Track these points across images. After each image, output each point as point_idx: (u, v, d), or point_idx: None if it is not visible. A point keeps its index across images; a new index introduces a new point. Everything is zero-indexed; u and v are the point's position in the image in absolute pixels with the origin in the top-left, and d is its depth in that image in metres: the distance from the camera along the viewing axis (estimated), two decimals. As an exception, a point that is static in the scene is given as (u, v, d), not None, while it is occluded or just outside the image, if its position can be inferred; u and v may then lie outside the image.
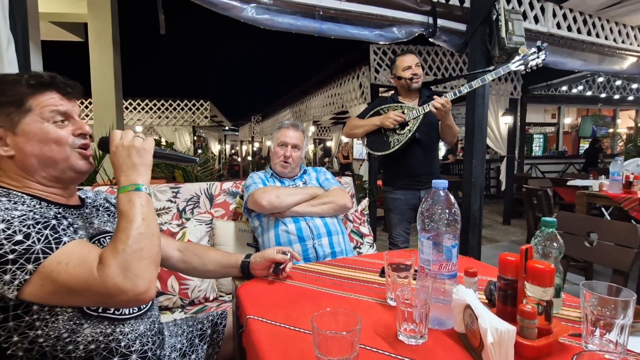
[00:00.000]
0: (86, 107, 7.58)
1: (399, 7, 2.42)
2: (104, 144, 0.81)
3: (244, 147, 18.23)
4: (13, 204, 0.66)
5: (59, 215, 0.72)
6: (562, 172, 7.89)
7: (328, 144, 13.51)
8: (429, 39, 2.59)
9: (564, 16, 3.07)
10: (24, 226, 0.63)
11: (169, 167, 3.00)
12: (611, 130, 9.14)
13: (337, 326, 0.56)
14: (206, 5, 1.97)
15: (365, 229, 1.93)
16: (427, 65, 4.64)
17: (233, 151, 20.97)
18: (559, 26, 3.05)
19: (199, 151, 11.84)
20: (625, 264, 1.33)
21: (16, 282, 0.60)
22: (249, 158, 15.30)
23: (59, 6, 3.82)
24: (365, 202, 2.11)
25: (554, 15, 3.02)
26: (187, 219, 1.66)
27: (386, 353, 0.63)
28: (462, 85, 1.91)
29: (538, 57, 1.84)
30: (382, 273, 1.01)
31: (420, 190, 2.04)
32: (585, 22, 3.20)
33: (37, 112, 0.73)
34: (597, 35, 3.28)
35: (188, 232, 1.56)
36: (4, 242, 0.60)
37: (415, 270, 0.81)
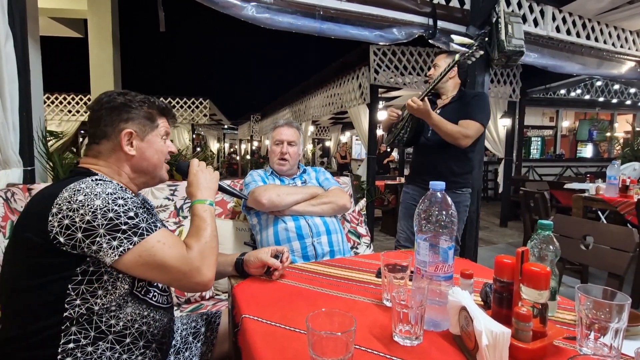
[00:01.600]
0: (85, 103, 7.54)
1: (399, 8, 2.42)
2: (182, 169, 1.03)
3: (243, 146, 18.20)
4: (120, 188, 0.81)
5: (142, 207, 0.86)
6: (559, 175, 7.92)
7: (327, 143, 13.52)
8: (429, 41, 2.60)
9: (564, 20, 3.08)
10: (134, 206, 0.78)
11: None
12: (608, 134, 9.18)
13: (332, 327, 0.56)
14: (206, 4, 1.96)
15: (362, 229, 1.93)
16: (426, 67, 4.65)
17: (232, 150, 20.94)
18: (558, 30, 3.06)
19: (198, 149, 11.81)
20: (621, 268, 1.33)
21: (121, 248, 0.73)
22: (248, 157, 15.28)
23: (58, 2, 3.80)
24: (363, 203, 2.11)
25: (554, 18, 3.02)
26: (185, 217, 1.66)
27: (381, 354, 0.63)
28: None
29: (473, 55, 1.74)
30: (378, 274, 1.01)
31: (427, 191, 2.00)
32: (584, 25, 3.21)
33: (159, 130, 0.95)
34: (596, 39, 3.29)
35: (185, 230, 1.55)
36: (122, 214, 0.74)
37: (412, 272, 0.81)
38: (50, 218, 0.71)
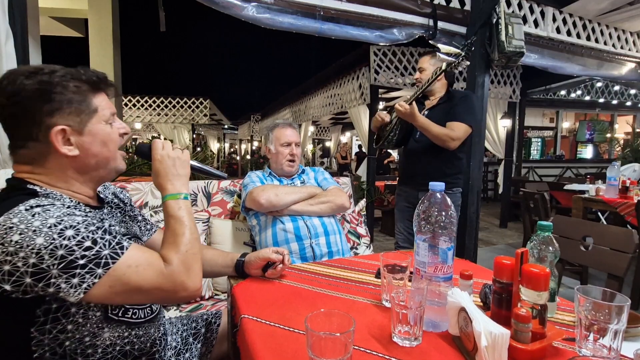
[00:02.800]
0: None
1: (400, 9, 2.42)
2: (143, 152, 0.86)
3: (243, 146, 18.20)
4: (67, 208, 0.66)
5: (102, 219, 0.74)
6: (559, 176, 7.92)
7: (327, 144, 13.52)
8: (429, 41, 2.60)
9: (564, 21, 3.08)
10: (89, 232, 0.64)
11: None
12: (608, 135, 9.18)
13: (331, 327, 0.56)
14: (207, 4, 1.96)
15: (362, 229, 1.93)
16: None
17: (232, 150, 20.94)
18: (558, 30, 3.06)
19: (198, 149, 11.81)
20: (620, 269, 1.33)
21: (84, 285, 0.62)
22: (248, 157, 15.28)
23: (59, 1, 3.80)
24: (362, 203, 2.11)
25: (554, 19, 3.02)
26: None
27: (380, 355, 0.63)
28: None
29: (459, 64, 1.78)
30: (377, 274, 1.01)
31: (418, 192, 2.04)
32: (584, 27, 3.21)
33: (100, 113, 0.74)
34: (597, 41, 3.29)
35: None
36: (75, 248, 0.61)
37: (411, 272, 0.81)
38: None
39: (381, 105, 5.81)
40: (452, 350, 0.65)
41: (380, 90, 4.99)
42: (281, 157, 1.62)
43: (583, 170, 7.84)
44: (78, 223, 0.64)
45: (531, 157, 9.03)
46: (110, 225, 0.72)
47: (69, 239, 0.61)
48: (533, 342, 0.61)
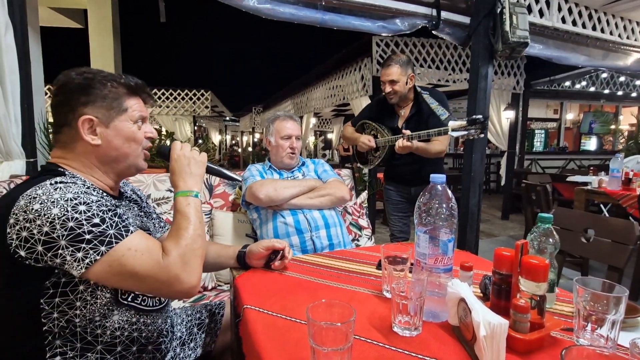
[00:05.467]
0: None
1: (403, -1, 2.39)
2: (163, 153, 0.91)
3: (245, 138, 18.17)
4: (87, 188, 0.72)
5: (117, 206, 0.77)
6: (562, 168, 7.89)
7: (329, 136, 13.47)
8: (432, 32, 2.57)
9: (569, 10, 3.03)
10: (100, 211, 0.68)
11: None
12: (612, 126, 9.10)
13: (332, 317, 0.57)
14: (207, -7, 1.94)
15: (363, 221, 1.93)
16: (429, 59, 4.60)
17: (234, 142, 20.92)
18: (564, 20, 3.01)
19: (200, 141, 11.80)
20: (620, 261, 1.33)
21: (87, 260, 0.65)
22: (250, 149, 15.26)
23: (58, -9, 3.77)
24: (364, 195, 2.12)
25: (559, 9, 2.97)
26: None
27: (380, 344, 0.64)
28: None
29: (475, 133, 1.65)
30: (379, 266, 1.02)
31: (411, 188, 2.09)
32: (590, 16, 3.16)
33: (130, 114, 0.82)
34: (602, 31, 3.24)
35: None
36: (84, 222, 0.66)
37: (412, 264, 0.82)
38: (8, 230, 0.64)
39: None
40: (451, 340, 0.66)
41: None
42: (281, 150, 1.61)
43: (586, 162, 7.81)
44: (92, 201, 0.69)
45: (534, 149, 8.99)
46: (122, 213, 0.75)
47: (80, 212, 0.66)
48: (531, 332, 0.61)
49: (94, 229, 0.66)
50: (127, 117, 0.82)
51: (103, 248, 0.66)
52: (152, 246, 0.72)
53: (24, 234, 0.63)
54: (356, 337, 0.64)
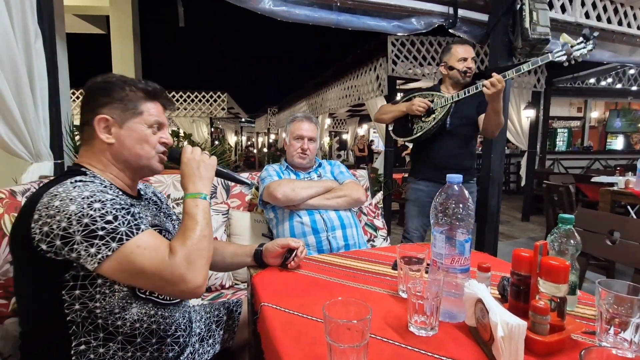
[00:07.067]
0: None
1: (418, -3, 2.37)
2: (174, 156, 0.93)
3: (260, 139, 18.36)
4: (104, 187, 0.76)
5: (132, 205, 0.80)
6: (587, 168, 7.60)
7: (344, 136, 13.45)
8: (449, 30, 2.53)
9: (594, 5, 2.92)
10: (114, 209, 0.72)
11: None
12: (640, 125, 8.72)
13: (348, 315, 0.58)
14: (225, -2, 1.98)
15: (379, 222, 1.93)
16: (446, 57, 4.53)
17: (249, 143, 21.17)
18: (587, 15, 2.91)
19: (216, 142, 12.01)
20: (649, 264, 1.28)
21: (99, 256, 0.68)
22: (265, 150, 15.41)
23: (82, -2, 3.92)
24: (379, 196, 2.11)
25: (583, 4, 2.88)
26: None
27: (396, 343, 0.64)
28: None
29: (585, 47, 1.56)
30: (394, 266, 1.02)
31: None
32: (616, 11, 3.04)
33: (145, 117, 0.86)
34: (629, 25, 3.11)
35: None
36: (98, 219, 0.69)
37: (428, 264, 0.82)
38: (32, 225, 0.68)
39: (399, 96, 5.73)
40: (468, 340, 0.65)
41: (398, 82, 4.91)
42: (292, 150, 1.64)
43: (613, 162, 7.49)
44: (107, 200, 0.72)
45: (556, 149, 8.70)
46: (137, 212, 0.78)
47: (95, 210, 0.69)
48: (551, 334, 0.60)
49: (107, 225, 0.69)
50: (142, 120, 0.86)
51: (114, 245, 0.69)
52: (159, 245, 0.74)
53: (45, 228, 0.68)
54: (372, 335, 0.65)
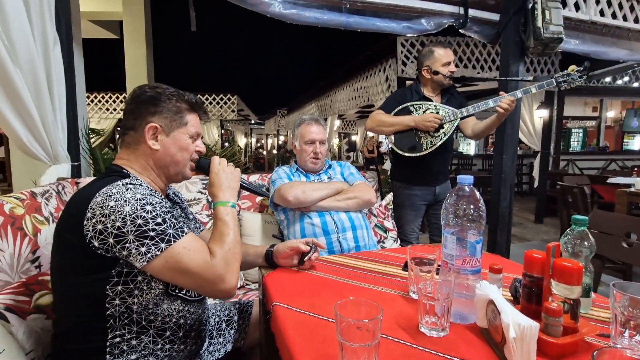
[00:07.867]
0: (121, 101, 7.94)
1: (428, -2, 2.36)
2: (203, 167, 1.00)
3: (270, 141, 18.46)
4: (150, 190, 0.81)
5: (172, 208, 0.86)
6: (603, 169, 7.42)
7: (353, 138, 13.43)
8: (460, 30, 2.51)
9: (609, 3, 2.86)
10: (162, 212, 0.78)
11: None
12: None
13: (359, 315, 0.58)
14: (235, 2, 2.01)
15: (389, 223, 1.92)
16: (456, 57, 4.49)
17: (259, 144, 21.31)
18: (602, 13, 2.85)
19: (226, 144, 12.13)
20: (667, 267, 1.25)
21: (149, 254, 0.74)
22: (274, 151, 15.49)
23: (96, 5, 4.02)
24: (389, 197, 2.10)
25: (597, 1, 2.82)
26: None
27: (407, 343, 0.64)
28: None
29: (580, 78, 1.72)
30: (405, 267, 1.02)
31: (436, 187, 2.03)
32: (632, 8, 2.97)
33: (188, 128, 0.94)
34: (646, 22, 3.04)
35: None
36: (150, 220, 0.75)
37: (439, 265, 0.81)
38: (85, 222, 0.73)
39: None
40: (479, 341, 0.65)
41: (408, 83, 4.88)
42: (305, 155, 1.64)
43: (630, 163, 7.30)
44: (156, 203, 0.79)
45: (571, 149, 8.52)
46: (177, 216, 0.85)
47: (147, 212, 0.76)
48: (564, 336, 0.60)
49: (157, 227, 0.75)
50: (185, 130, 0.93)
51: (163, 245, 0.75)
52: (201, 247, 0.81)
53: (99, 226, 0.72)
54: (383, 335, 0.65)
